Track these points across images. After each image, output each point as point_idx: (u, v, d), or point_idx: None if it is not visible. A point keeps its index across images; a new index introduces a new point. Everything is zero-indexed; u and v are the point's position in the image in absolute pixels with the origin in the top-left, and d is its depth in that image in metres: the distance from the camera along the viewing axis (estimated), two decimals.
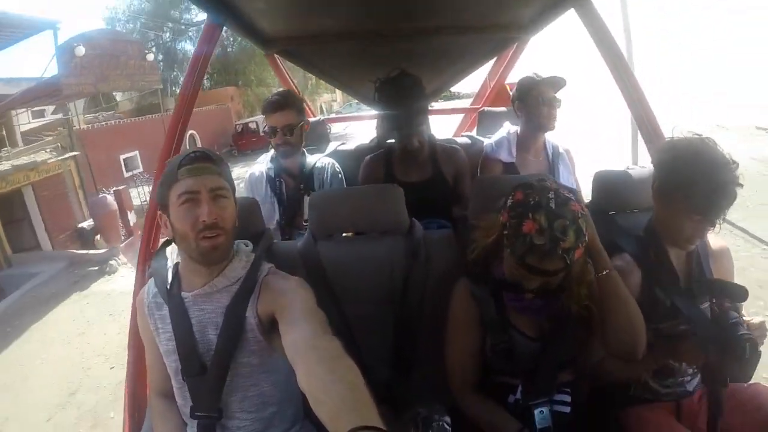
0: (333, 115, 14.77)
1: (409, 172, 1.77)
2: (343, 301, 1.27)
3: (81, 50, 9.27)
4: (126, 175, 12.45)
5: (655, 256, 1.14)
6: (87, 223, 10.26)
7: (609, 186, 1.33)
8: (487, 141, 1.99)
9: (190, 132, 16.44)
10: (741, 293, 1.05)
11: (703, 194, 1.01)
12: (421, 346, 1.23)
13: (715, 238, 1.19)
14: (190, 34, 21.39)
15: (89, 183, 10.84)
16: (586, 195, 1.38)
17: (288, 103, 1.77)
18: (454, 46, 2.43)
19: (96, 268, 7.25)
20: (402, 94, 1.64)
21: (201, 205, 0.95)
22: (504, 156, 1.81)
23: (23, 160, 8.94)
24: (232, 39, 20.64)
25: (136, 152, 13.24)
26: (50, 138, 10.24)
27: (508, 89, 3.30)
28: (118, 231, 8.78)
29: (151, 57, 11.46)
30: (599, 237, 1.06)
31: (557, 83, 1.75)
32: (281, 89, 2.09)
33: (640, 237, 1.18)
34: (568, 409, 1.08)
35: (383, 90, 1.68)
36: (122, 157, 12.48)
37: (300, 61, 2.76)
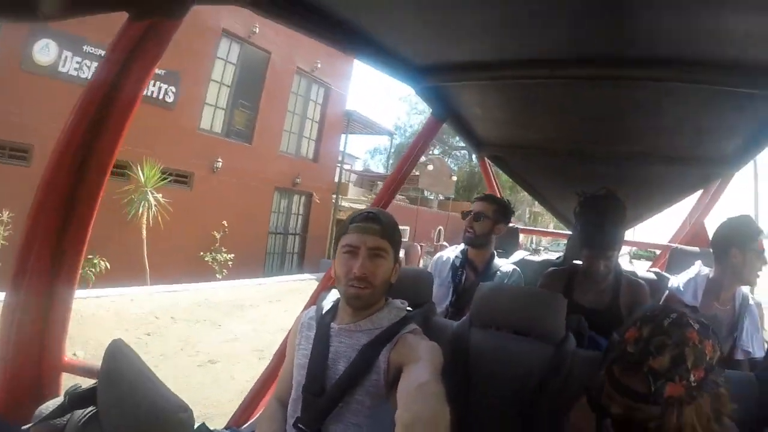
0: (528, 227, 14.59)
1: (588, 295, 1.71)
2: (477, 389, 1.30)
3: (431, 167, 17.31)
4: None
5: None
6: None
7: None
8: (674, 278, 1.87)
9: (438, 227, 20.64)
10: None
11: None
12: None
13: None
14: (456, 154, 27.15)
15: None
16: None
17: (491, 200, 1.96)
18: (655, 176, 2.39)
19: None
20: (603, 213, 1.64)
21: (357, 258, 1.05)
22: (688, 298, 1.68)
23: (354, 204, 13.69)
24: (475, 163, 25.31)
25: (407, 228, 18.02)
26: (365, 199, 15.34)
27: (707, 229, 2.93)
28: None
29: (454, 178, 19.77)
30: None
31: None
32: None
33: None
34: None
35: (586, 204, 1.70)
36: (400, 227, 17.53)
37: (506, 168, 2.98)
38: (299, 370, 1.11)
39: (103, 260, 6.84)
